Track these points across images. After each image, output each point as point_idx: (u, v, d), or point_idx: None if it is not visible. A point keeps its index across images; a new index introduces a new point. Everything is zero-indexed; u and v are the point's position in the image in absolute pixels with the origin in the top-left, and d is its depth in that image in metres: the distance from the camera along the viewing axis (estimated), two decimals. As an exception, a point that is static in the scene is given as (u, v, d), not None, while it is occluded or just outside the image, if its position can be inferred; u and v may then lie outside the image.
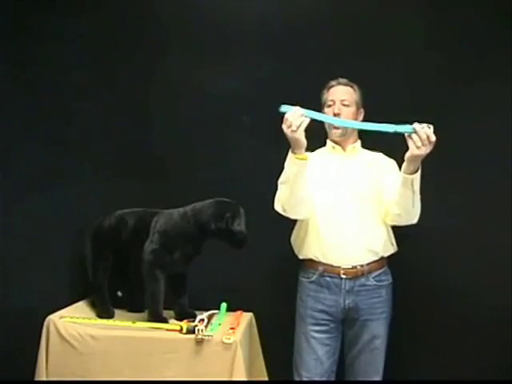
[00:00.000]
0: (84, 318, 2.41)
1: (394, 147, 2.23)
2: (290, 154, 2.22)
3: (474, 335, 2.67)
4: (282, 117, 2.14)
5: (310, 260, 2.42)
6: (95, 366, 2.26)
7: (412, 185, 2.18)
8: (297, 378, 2.45)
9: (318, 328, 2.40)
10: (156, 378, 2.23)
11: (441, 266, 2.70)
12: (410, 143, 2.09)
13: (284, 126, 2.13)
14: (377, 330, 2.40)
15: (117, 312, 2.53)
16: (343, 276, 2.36)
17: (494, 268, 2.67)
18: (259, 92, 2.77)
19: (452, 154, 2.63)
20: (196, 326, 2.25)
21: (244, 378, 2.22)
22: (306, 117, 2.13)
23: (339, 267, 2.36)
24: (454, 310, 2.69)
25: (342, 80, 2.46)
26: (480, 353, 2.65)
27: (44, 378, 2.28)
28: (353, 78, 2.47)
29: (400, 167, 2.23)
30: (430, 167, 2.20)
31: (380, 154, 2.50)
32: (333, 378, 2.46)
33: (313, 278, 2.41)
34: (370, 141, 2.48)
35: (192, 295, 2.50)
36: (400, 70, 2.75)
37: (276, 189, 2.32)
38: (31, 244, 2.76)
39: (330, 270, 2.37)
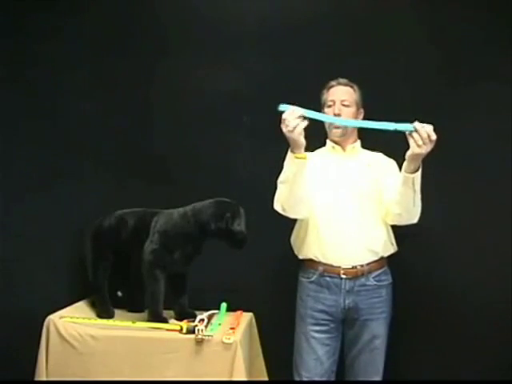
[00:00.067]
0: (84, 318, 2.41)
1: (394, 147, 2.23)
2: (289, 153, 2.22)
3: (474, 335, 2.67)
4: (281, 116, 2.14)
5: (310, 260, 2.42)
6: (95, 366, 2.26)
7: (413, 184, 2.18)
8: (297, 378, 2.45)
9: (318, 328, 2.40)
10: (156, 377, 2.23)
11: (441, 266, 2.70)
12: (411, 142, 2.09)
13: (282, 126, 2.14)
14: (377, 330, 2.40)
15: (117, 312, 2.53)
16: (343, 276, 2.36)
17: (493, 268, 2.67)
18: (259, 92, 2.77)
19: (452, 154, 2.63)
20: (196, 325, 2.25)
21: (244, 378, 2.22)
22: (304, 118, 2.12)
23: (339, 267, 2.36)
24: (453, 309, 2.69)
25: (341, 80, 2.46)
26: (480, 353, 2.65)
27: (44, 378, 2.28)
28: (353, 78, 2.46)
29: (400, 167, 2.23)
30: (430, 167, 2.20)
31: (380, 154, 2.50)
32: (333, 378, 2.46)
33: (313, 278, 2.41)
34: (369, 141, 2.48)
35: (192, 295, 2.50)
36: (400, 70, 2.75)
37: (276, 189, 2.32)
38: (31, 244, 2.77)
39: (330, 270, 2.37)
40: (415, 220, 2.31)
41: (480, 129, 2.67)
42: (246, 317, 2.54)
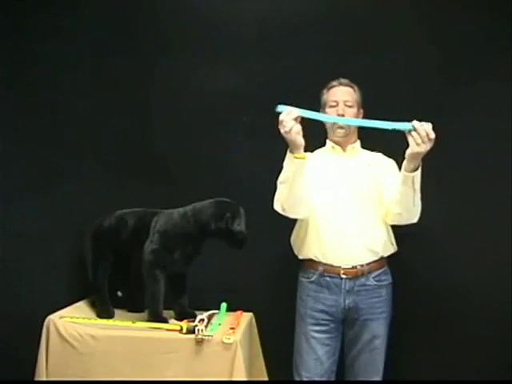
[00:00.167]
0: (84, 318, 2.40)
1: (393, 147, 2.23)
2: (288, 153, 2.22)
3: (474, 335, 2.67)
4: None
5: (310, 260, 2.42)
6: (95, 366, 2.26)
7: (413, 183, 2.18)
8: (297, 378, 2.45)
9: (318, 328, 2.40)
10: (156, 377, 2.22)
11: (441, 266, 2.70)
12: (410, 141, 2.10)
13: (279, 127, 2.14)
14: (377, 330, 2.40)
15: (117, 312, 2.53)
16: (343, 276, 2.36)
17: (493, 268, 2.67)
18: (259, 92, 2.77)
19: (452, 153, 2.63)
20: (196, 325, 2.25)
21: (244, 378, 2.22)
22: (298, 122, 2.13)
23: (339, 267, 2.36)
24: (453, 309, 2.69)
25: (343, 80, 2.45)
26: (480, 353, 2.65)
27: (44, 378, 2.28)
28: (353, 78, 2.46)
29: (400, 166, 2.23)
30: (430, 167, 2.20)
31: (379, 154, 2.50)
32: (333, 378, 2.46)
33: (313, 278, 2.41)
34: (369, 141, 2.48)
35: (192, 295, 2.50)
36: (400, 70, 2.75)
37: (276, 189, 2.32)
38: (31, 244, 2.77)
39: (330, 270, 2.37)
40: (415, 220, 2.31)
41: (480, 128, 2.67)
42: (246, 317, 2.53)
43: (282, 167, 2.27)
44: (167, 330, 2.31)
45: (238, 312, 2.54)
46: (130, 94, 2.86)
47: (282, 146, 2.22)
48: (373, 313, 2.39)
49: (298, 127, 2.14)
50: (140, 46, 2.87)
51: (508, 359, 2.62)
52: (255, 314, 2.60)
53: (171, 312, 2.47)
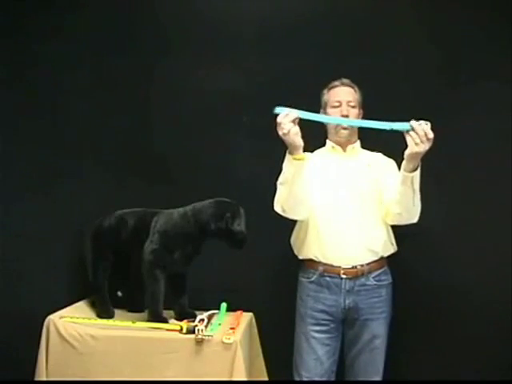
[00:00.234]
0: (84, 318, 2.40)
1: (393, 147, 2.23)
2: (287, 155, 2.22)
3: (474, 335, 2.67)
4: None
5: (310, 260, 2.42)
6: (95, 366, 2.26)
7: (412, 183, 2.18)
8: (297, 378, 2.45)
9: (318, 328, 2.40)
10: (156, 377, 2.22)
11: (441, 266, 2.70)
12: (409, 140, 2.10)
13: (277, 129, 2.14)
14: (377, 330, 2.40)
15: (117, 312, 2.53)
16: (343, 276, 2.36)
17: (493, 268, 2.67)
18: (259, 92, 2.77)
19: (452, 153, 2.64)
20: (196, 325, 2.25)
21: (244, 378, 2.22)
22: (296, 123, 2.13)
23: (339, 267, 2.36)
24: (453, 309, 2.69)
25: (345, 80, 2.45)
26: (480, 353, 2.65)
27: (44, 378, 2.28)
28: (353, 78, 2.46)
29: (399, 167, 2.23)
30: (430, 167, 2.20)
31: (379, 154, 2.50)
32: (333, 378, 2.46)
33: (313, 278, 2.41)
34: (369, 141, 2.48)
35: (192, 295, 2.50)
36: (400, 70, 2.75)
37: (276, 190, 2.32)
38: (31, 244, 2.77)
39: (330, 270, 2.37)
40: (415, 219, 2.31)
41: (480, 128, 2.68)
42: (246, 317, 2.53)
43: (281, 167, 2.27)
44: (167, 330, 2.31)
45: (238, 312, 2.54)
46: (130, 94, 2.86)
47: (281, 146, 2.21)
48: (373, 313, 2.39)
49: (296, 129, 2.14)
50: (140, 46, 2.87)
51: (508, 359, 2.62)
52: (255, 314, 2.60)
53: (171, 312, 2.47)
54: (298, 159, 2.20)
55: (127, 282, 2.62)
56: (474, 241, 2.68)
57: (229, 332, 2.27)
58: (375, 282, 2.39)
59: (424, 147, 2.09)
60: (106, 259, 2.54)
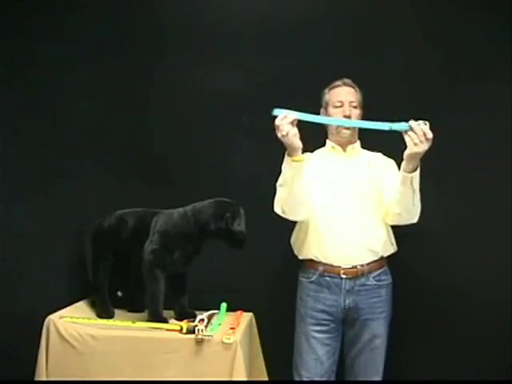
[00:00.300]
0: (84, 318, 2.40)
1: (393, 147, 2.23)
2: (286, 156, 2.22)
3: (474, 335, 2.67)
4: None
5: (310, 260, 2.42)
6: (95, 366, 2.26)
7: (412, 183, 2.18)
8: (297, 378, 2.45)
9: (318, 328, 2.40)
10: (156, 377, 2.22)
11: (441, 266, 2.70)
12: (408, 140, 2.10)
13: (276, 131, 2.14)
14: (377, 330, 2.40)
15: (117, 312, 2.53)
16: (343, 276, 2.36)
17: (493, 268, 2.67)
18: (259, 92, 2.77)
19: (452, 153, 2.64)
20: (196, 325, 2.25)
21: (244, 378, 2.22)
22: (294, 125, 2.12)
23: (339, 267, 2.36)
24: (453, 309, 2.69)
25: (347, 80, 2.45)
26: (480, 353, 2.65)
27: (44, 378, 2.28)
28: (353, 78, 2.46)
29: (399, 167, 2.23)
30: (430, 167, 2.20)
31: (379, 154, 2.50)
32: (333, 378, 2.46)
33: (313, 278, 2.41)
34: (368, 141, 2.48)
35: (192, 295, 2.50)
36: (400, 70, 2.75)
37: (275, 190, 2.32)
38: (31, 244, 2.76)
39: (330, 270, 2.37)
40: (415, 220, 2.31)
41: (480, 128, 2.68)
42: (246, 317, 2.53)
43: (281, 168, 2.27)
44: (167, 330, 2.31)
45: (238, 312, 2.54)
46: (130, 94, 2.86)
47: (281, 146, 2.21)
48: (373, 312, 2.39)
49: (294, 130, 2.14)
50: (140, 46, 2.87)
51: (508, 359, 2.63)
52: (255, 314, 2.60)
53: (171, 312, 2.47)
54: (297, 161, 2.20)
55: (127, 282, 2.62)
56: (474, 241, 2.68)
57: (229, 332, 2.27)
58: (375, 282, 2.39)
59: (423, 147, 2.09)
60: (106, 259, 2.54)
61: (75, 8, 2.87)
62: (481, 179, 2.68)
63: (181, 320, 2.38)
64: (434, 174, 2.43)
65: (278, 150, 2.25)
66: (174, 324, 2.35)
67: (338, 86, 2.45)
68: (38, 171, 2.82)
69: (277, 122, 2.13)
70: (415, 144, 2.08)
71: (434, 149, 2.10)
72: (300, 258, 2.47)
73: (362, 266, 2.37)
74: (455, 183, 2.69)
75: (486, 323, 2.65)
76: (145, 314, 2.44)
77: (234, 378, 2.19)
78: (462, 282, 2.68)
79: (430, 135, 2.08)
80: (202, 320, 2.30)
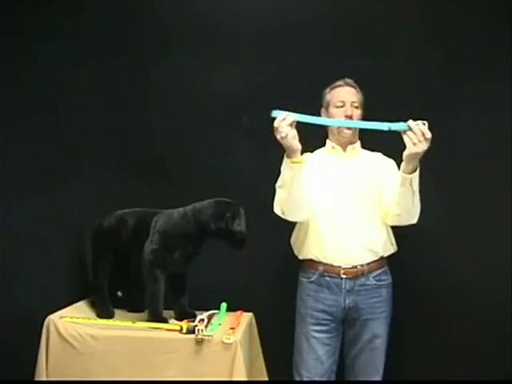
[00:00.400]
0: (84, 318, 2.41)
1: (393, 147, 2.23)
2: (285, 158, 2.22)
3: (474, 335, 2.67)
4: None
5: (310, 260, 2.42)
6: (95, 366, 2.26)
7: (411, 184, 2.18)
8: (297, 378, 2.45)
9: (318, 328, 2.40)
10: (156, 377, 2.22)
11: (441, 266, 2.70)
12: (407, 141, 2.10)
13: (275, 133, 2.14)
14: (377, 330, 2.40)
15: (117, 312, 2.53)
16: (343, 276, 2.36)
17: (493, 268, 2.67)
18: (259, 92, 2.77)
19: (452, 153, 2.64)
20: (196, 325, 2.25)
21: (244, 378, 2.22)
22: (293, 127, 2.12)
23: (339, 267, 2.36)
24: (453, 309, 2.69)
25: (348, 80, 2.45)
26: (480, 353, 2.65)
27: (44, 378, 2.28)
28: (353, 78, 2.46)
29: (399, 167, 2.23)
30: (429, 167, 2.20)
31: (379, 154, 2.50)
32: (333, 378, 2.46)
33: (313, 278, 2.41)
34: (368, 141, 2.48)
35: (192, 295, 2.50)
36: (400, 70, 2.75)
37: (275, 191, 2.32)
38: (31, 244, 2.76)
39: (330, 270, 2.37)
40: (414, 220, 2.31)
41: (480, 128, 2.68)
42: (246, 317, 2.53)
43: (280, 169, 2.27)
44: (167, 330, 2.31)
45: (238, 312, 2.54)
46: (130, 94, 2.86)
47: (281, 147, 2.21)
48: (373, 312, 2.39)
49: (293, 132, 2.14)
50: (140, 46, 2.87)
51: (508, 359, 2.62)
52: (255, 314, 2.60)
53: (171, 312, 2.47)
54: (296, 162, 2.19)
55: (127, 282, 2.62)
56: (474, 241, 2.68)
57: (229, 332, 2.27)
58: (375, 282, 2.39)
59: (422, 147, 2.09)
60: (106, 259, 2.54)
61: (75, 8, 2.87)
62: (481, 179, 2.68)
63: (181, 320, 2.38)
64: (434, 174, 2.43)
65: (277, 150, 2.25)
66: (174, 324, 2.35)
67: (340, 85, 2.44)
68: (37, 171, 2.82)
69: (276, 123, 2.13)
70: (414, 144, 2.08)
71: (434, 149, 2.10)
72: (300, 258, 2.47)
73: (362, 265, 2.37)
74: (455, 183, 2.69)
75: (486, 323, 2.66)
76: (145, 314, 2.44)
77: (234, 378, 2.19)
78: (462, 282, 2.68)
79: (428, 135, 2.08)
80: (202, 320, 2.30)
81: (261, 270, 2.76)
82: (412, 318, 2.68)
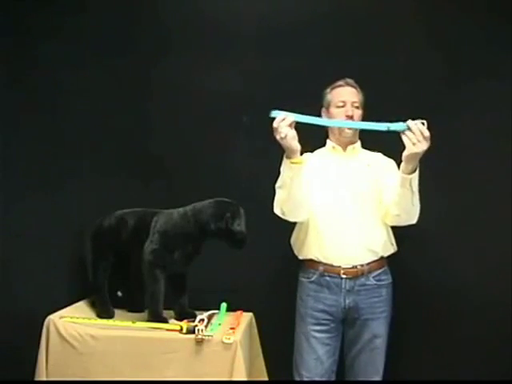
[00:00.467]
0: (84, 318, 2.41)
1: (393, 147, 2.23)
2: (284, 159, 2.22)
3: (474, 335, 2.67)
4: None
5: (310, 260, 2.42)
6: (95, 366, 2.26)
7: (411, 185, 2.18)
8: (297, 378, 2.45)
9: (318, 328, 2.40)
10: (156, 377, 2.23)
11: (441, 266, 2.70)
12: (406, 141, 2.09)
13: (274, 134, 2.14)
14: (377, 330, 2.40)
15: (117, 312, 2.53)
16: (343, 276, 2.37)
17: (493, 268, 2.67)
18: (259, 92, 2.77)
19: (452, 153, 2.64)
20: (196, 325, 2.25)
21: (244, 378, 2.22)
22: (293, 127, 2.12)
23: (339, 267, 2.36)
24: (453, 309, 2.69)
25: (349, 80, 2.44)
26: (480, 353, 2.65)
27: (44, 378, 2.28)
28: (353, 78, 2.46)
29: (399, 167, 2.22)
30: (429, 167, 2.20)
31: (379, 154, 2.50)
32: (333, 378, 2.46)
33: (313, 278, 2.41)
34: (368, 141, 2.48)
35: (192, 295, 2.50)
36: (400, 70, 2.75)
37: (275, 192, 2.32)
38: (31, 244, 2.76)
39: (330, 270, 2.37)
40: (414, 221, 2.31)
41: (480, 128, 2.68)
42: (246, 317, 2.53)
43: (280, 169, 2.27)
44: (167, 330, 2.31)
45: (238, 312, 2.54)
46: (130, 94, 2.86)
47: (281, 147, 2.21)
48: (373, 312, 2.39)
49: (293, 133, 2.14)
50: (140, 46, 2.87)
51: (508, 359, 2.62)
52: (255, 314, 2.60)
53: (171, 312, 2.47)
54: (296, 163, 2.19)
55: (127, 282, 2.62)
56: (474, 241, 2.68)
57: (229, 332, 2.27)
58: (375, 282, 2.39)
59: (421, 147, 2.08)
60: (106, 259, 2.54)
61: (75, 8, 2.87)
62: (481, 179, 2.68)
63: (181, 320, 2.38)
64: (434, 174, 2.43)
65: (277, 150, 2.25)
66: (174, 324, 2.35)
67: (341, 85, 2.44)
68: (37, 171, 2.82)
69: (275, 124, 2.13)
70: (413, 144, 2.08)
71: (434, 149, 2.10)
72: (300, 258, 2.47)
73: (362, 265, 2.37)
74: (455, 183, 2.69)
75: (486, 323, 2.65)
76: (145, 314, 2.44)
77: (234, 378, 2.19)
78: (462, 282, 2.68)
79: (426, 134, 2.07)
80: (202, 320, 2.30)
81: (261, 270, 2.76)
82: (412, 318, 2.69)
